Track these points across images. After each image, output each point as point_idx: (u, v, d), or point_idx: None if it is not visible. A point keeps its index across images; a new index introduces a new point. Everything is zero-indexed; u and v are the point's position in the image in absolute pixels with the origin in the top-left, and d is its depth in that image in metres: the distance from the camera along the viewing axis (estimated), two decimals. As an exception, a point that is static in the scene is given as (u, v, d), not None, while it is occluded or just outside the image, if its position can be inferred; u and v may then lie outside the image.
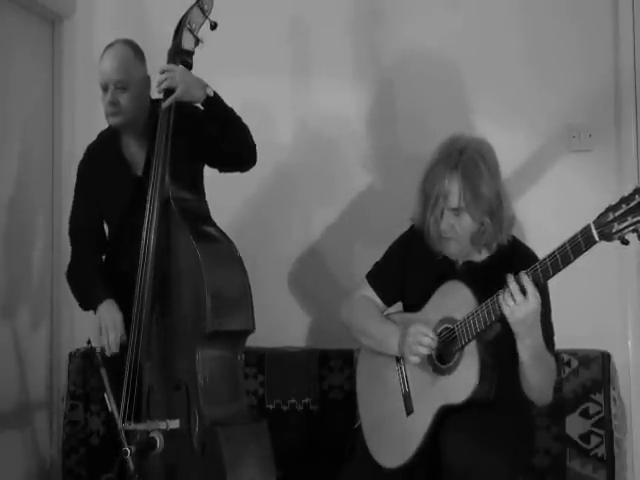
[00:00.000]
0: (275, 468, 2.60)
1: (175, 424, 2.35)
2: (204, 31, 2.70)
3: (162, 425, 2.35)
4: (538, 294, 2.19)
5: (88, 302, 2.80)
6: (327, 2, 3.51)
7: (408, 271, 2.61)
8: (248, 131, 2.76)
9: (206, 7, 2.68)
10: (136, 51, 2.79)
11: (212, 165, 2.85)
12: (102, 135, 2.95)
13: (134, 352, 2.59)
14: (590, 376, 2.97)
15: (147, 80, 2.80)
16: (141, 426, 2.44)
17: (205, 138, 2.71)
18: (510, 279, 2.20)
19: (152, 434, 2.35)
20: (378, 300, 2.68)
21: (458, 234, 2.44)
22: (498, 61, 3.29)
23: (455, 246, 2.47)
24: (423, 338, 2.39)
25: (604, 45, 3.17)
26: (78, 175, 2.96)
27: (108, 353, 2.63)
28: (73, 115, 3.76)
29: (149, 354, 2.63)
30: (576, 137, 3.20)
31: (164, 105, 2.63)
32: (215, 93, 2.66)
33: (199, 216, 2.71)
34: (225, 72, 3.46)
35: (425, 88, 3.40)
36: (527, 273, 2.19)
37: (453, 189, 2.38)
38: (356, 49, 3.46)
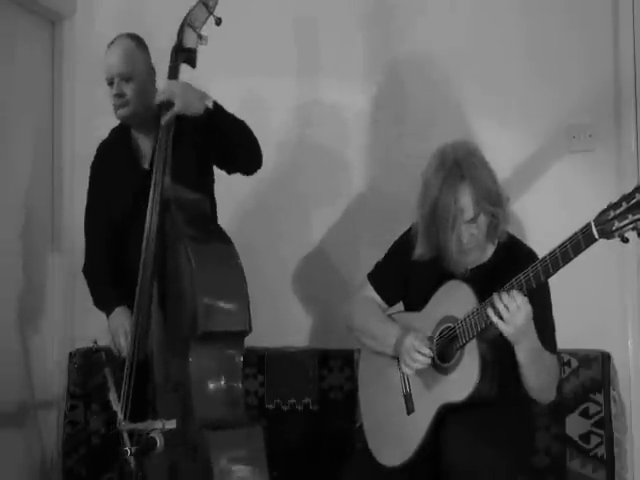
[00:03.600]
0: (268, 473, 2.56)
1: (172, 424, 2.34)
2: (211, 27, 2.68)
3: (158, 425, 2.34)
4: (527, 302, 2.21)
5: (101, 306, 2.88)
6: (332, 3, 3.51)
7: (409, 270, 2.60)
8: (252, 137, 2.76)
9: (210, 3, 2.67)
10: (138, 43, 2.80)
11: (219, 167, 2.87)
12: (114, 130, 2.96)
13: (133, 352, 2.61)
14: (590, 376, 2.96)
15: (152, 71, 2.81)
16: (138, 426, 2.44)
17: (209, 144, 2.73)
18: (496, 297, 2.22)
19: (152, 434, 2.35)
20: (380, 299, 2.68)
21: (479, 239, 2.44)
22: (498, 61, 3.29)
23: (476, 253, 2.48)
24: (416, 355, 2.41)
25: (604, 45, 3.16)
26: (90, 175, 2.97)
27: (118, 353, 2.71)
28: (73, 115, 3.76)
29: (150, 354, 2.63)
30: (576, 137, 3.20)
31: (164, 120, 2.63)
32: (215, 104, 2.66)
33: (199, 217, 2.70)
34: (231, 70, 3.47)
35: (425, 88, 3.40)
36: (513, 285, 2.22)
37: (466, 202, 2.37)
38: (357, 50, 3.46)
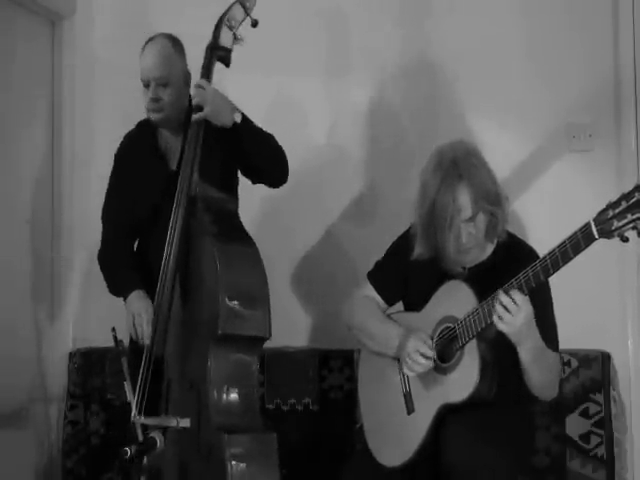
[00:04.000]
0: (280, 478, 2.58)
1: (186, 423, 2.33)
2: (245, 28, 2.70)
3: (173, 422, 2.34)
4: (528, 301, 2.20)
5: (117, 289, 2.85)
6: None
7: (409, 270, 2.60)
8: (277, 153, 2.77)
9: (248, 4, 2.68)
10: (176, 46, 2.79)
11: (244, 175, 2.88)
12: (141, 125, 2.95)
13: (151, 345, 2.62)
14: (590, 376, 2.97)
15: (187, 75, 2.81)
16: (151, 421, 2.43)
17: (235, 152, 2.73)
18: (496, 299, 2.22)
19: (152, 434, 2.34)
20: (380, 299, 2.68)
21: (478, 238, 2.44)
22: (498, 61, 3.29)
23: (474, 252, 2.48)
24: (420, 358, 2.41)
25: (604, 45, 3.17)
26: (114, 164, 2.97)
27: (141, 340, 2.65)
28: (73, 115, 3.76)
29: (167, 348, 2.63)
30: (576, 137, 3.20)
31: (193, 119, 2.65)
32: (244, 118, 2.67)
33: (225, 216, 2.70)
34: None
35: (424, 88, 3.40)
36: (512, 285, 2.21)
37: (464, 201, 2.37)
38: (350, 49, 3.46)
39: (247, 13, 2.67)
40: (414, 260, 2.53)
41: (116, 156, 2.98)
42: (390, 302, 2.69)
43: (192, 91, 2.67)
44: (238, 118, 2.65)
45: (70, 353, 3.56)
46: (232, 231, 2.67)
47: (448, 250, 2.41)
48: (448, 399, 2.36)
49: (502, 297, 2.21)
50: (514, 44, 3.28)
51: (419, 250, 2.50)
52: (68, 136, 3.73)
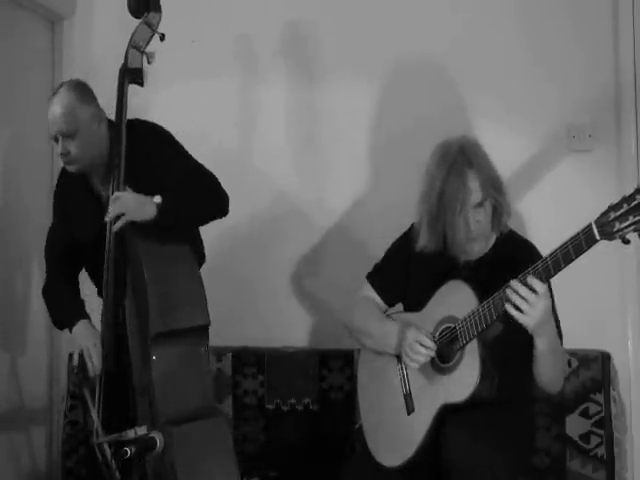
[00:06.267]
0: (236, 462, 2.60)
1: (142, 430, 2.35)
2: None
3: (131, 434, 2.35)
4: (547, 291, 2.19)
5: (62, 323, 2.86)
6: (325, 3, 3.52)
7: (409, 270, 2.61)
8: (208, 201, 2.74)
9: (153, 21, 2.72)
10: (80, 94, 2.71)
11: None
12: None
13: (102, 374, 2.68)
14: (590, 376, 2.98)
15: (99, 115, 2.75)
16: (112, 437, 2.45)
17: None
18: (516, 284, 2.18)
19: (152, 434, 2.35)
20: (379, 300, 2.68)
21: (485, 227, 2.45)
22: (498, 62, 3.29)
23: (480, 242, 2.49)
24: (419, 348, 2.41)
25: (604, 45, 3.17)
26: (53, 202, 2.99)
27: (92, 374, 2.68)
28: (73, 115, 3.75)
29: (132, 363, 2.66)
30: (576, 137, 3.20)
31: (114, 228, 2.61)
32: (163, 198, 2.60)
33: (152, 230, 2.69)
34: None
35: (425, 89, 3.40)
36: (531, 273, 2.18)
37: (474, 187, 2.40)
38: (359, 49, 3.46)
39: (153, 30, 2.71)
40: (417, 254, 2.54)
41: (55, 193, 2.99)
42: (390, 302, 2.70)
43: (109, 211, 2.61)
44: (158, 200, 2.60)
45: (70, 353, 3.55)
46: (159, 237, 2.66)
47: (458, 237, 2.43)
48: (448, 399, 2.36)
49: (520, 288, 2.18)
50: (515, 45, 3.28)
51: (423, 242, 2.51)
52: (68, 136, 3.72)
